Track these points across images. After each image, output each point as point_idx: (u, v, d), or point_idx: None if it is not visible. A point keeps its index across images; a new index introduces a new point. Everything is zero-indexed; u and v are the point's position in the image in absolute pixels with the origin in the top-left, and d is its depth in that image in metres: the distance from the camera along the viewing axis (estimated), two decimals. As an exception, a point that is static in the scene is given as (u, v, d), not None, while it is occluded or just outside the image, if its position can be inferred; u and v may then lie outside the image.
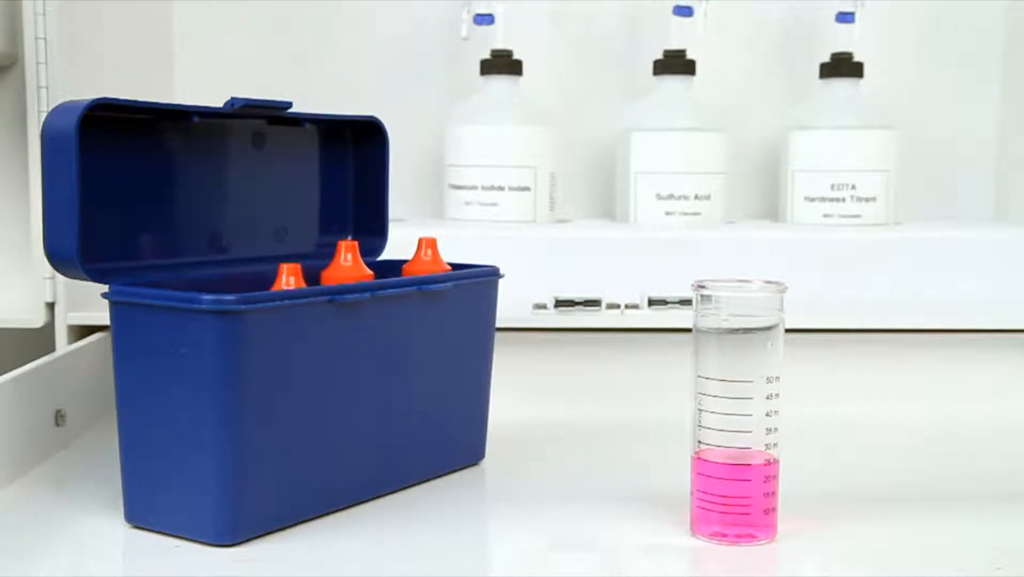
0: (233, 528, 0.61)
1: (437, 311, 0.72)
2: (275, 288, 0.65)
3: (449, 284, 0.72)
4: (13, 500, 0.69)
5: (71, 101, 0.63)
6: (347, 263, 0.71)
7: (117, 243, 0.68)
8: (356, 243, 0.72)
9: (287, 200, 0.76)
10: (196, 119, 0.70)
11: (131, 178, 0.69)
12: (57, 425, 0.79)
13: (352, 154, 0.81)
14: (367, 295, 0.66)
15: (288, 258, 0.73)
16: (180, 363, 0.61)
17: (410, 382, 0.70)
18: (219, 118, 0.73)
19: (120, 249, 0.68)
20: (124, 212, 0.69)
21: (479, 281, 0.75)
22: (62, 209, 0.63)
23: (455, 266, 0.76)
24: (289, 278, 0.65)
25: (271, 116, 0.75)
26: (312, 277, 0.71)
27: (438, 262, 0.75)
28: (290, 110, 0.74)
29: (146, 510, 0.63)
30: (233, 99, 0.70)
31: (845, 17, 1.11)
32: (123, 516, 0.64)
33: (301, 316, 0.63)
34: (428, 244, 0.75)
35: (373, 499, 0.69)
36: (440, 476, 0.74)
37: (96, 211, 0.65)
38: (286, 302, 0.62)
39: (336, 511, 0.67)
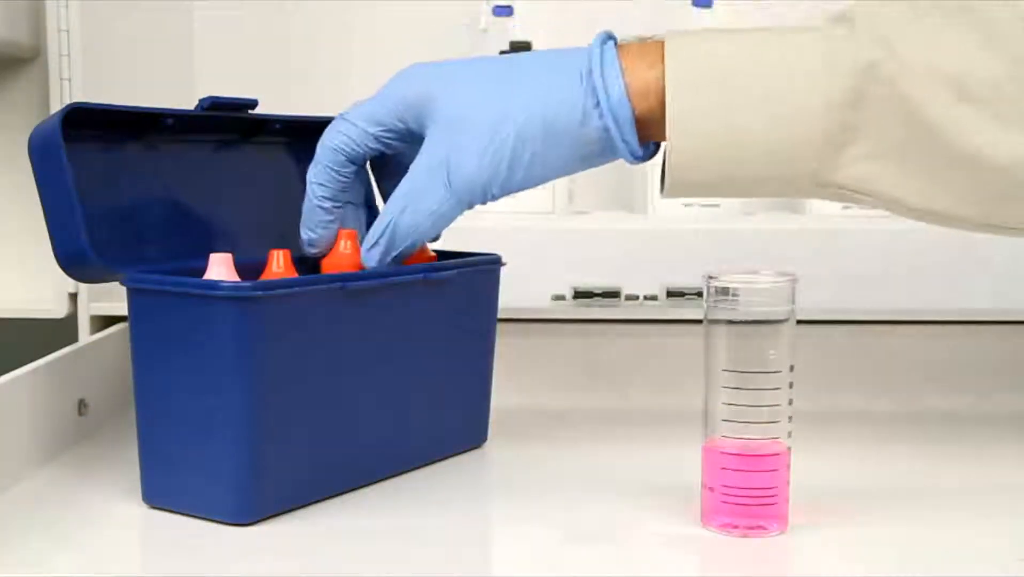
0: (250, 508, 0.63)
1: (442, 298, 0.73)
2: (266, 273, 0.67)
3: (453, 272, 0.73)
4: (37, 488, 0.70)
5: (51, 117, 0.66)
6: (347, 250, 0.72)
7: (115, 250, 0.68)
8: (355, 231, 0.73)
9: (284, 204, 0.77)
10: (169, 121, 0.72)
11: (124, 182, 0.71)
12: (80, 415, 0.80)
13: None
14: (376, 282, 0.68)
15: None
16: (197, 348, 0.62)
17: (416, 366, 0.72)
18: (191, 119, 0.74)
19: (120, 255, 0.68)
20: (121, 218, 0.70)
21: (481, 269, 0.77)
22: (63, 212, 0.64)
23: (456, 255, 0.77)
24: (279, 261, 0.67)
25: (238, 116, 0.76)
26: (313, 267, 0.73)
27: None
28: (259, 111, 0.76)
29: (165, 491, 0.65)
30: (202, 100, 0.72)
31: None
32: (141, 498, 0.65)
33: (314, 302, 0.64)
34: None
35: (381, 480, 0.70)
36: (445, 458, 0.75)
37: (92, 219, 0.66)
38: (300, 288, 0.64)
39: (345, 492, 0.68)
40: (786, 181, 0.65)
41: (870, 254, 1.03)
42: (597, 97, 0.65)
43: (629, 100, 0.65)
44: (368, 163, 0.74)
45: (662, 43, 0.66)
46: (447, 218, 0.69)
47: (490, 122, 0.67)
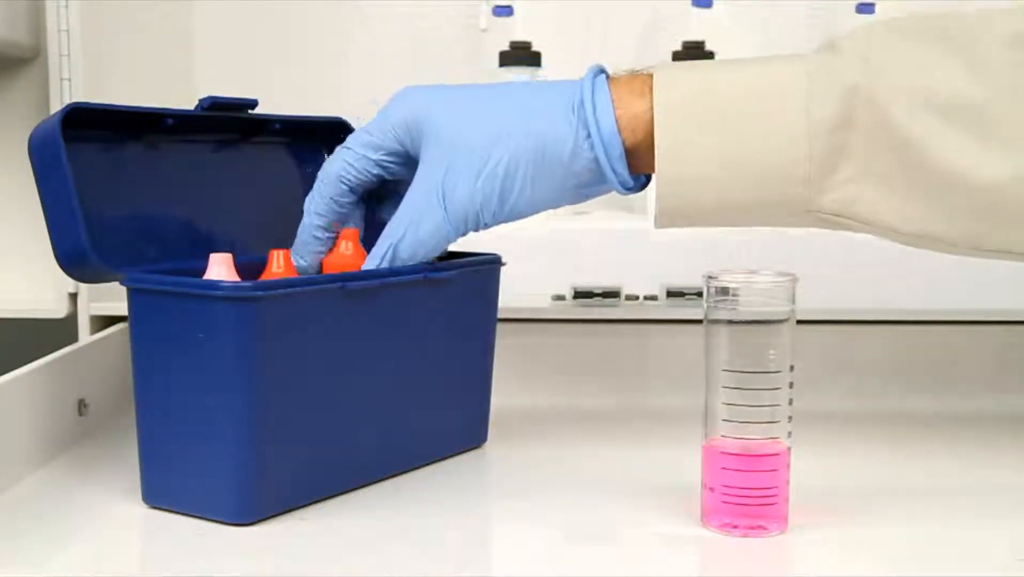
0: (250, 508, 0.63)
1: (442, 298, 0.73)
2: (266, 273, 0.67)
3: (453, 272, 0.73)
4: (37, 488, 0.70)
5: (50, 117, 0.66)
6: (347, 251, 0.72)
7: (115, 250, 0.68)
8: (356, 230, 0.73)
9: (284, 204, 0.77)
10: (169, 121, 0.72)
11: (124, 182, 0.71)
12: (80, 414, 0.80)
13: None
14: (376, 282, 0.68)
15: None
16: (198, 348, 0.62)
17: (416, 366, 0.72)
18: (191, 119, 0.74)
19: (120, 255, 0.68)
20: (121, 218, 0.70)
21: (481, 269, 0.77)
22: (63, 212, 0.64)
23: (456, 255, 0.77)
24: (279, 261, 0.67)
25: (238, 116, 0.76)
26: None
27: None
28: (259, 111, 0.76)
29: (165, 491, 0.65)
30: (202, 100, 0.73)
31: (866, 8, 1.11)
32: (141, 498, 0.65)
33: (314, 302, 0.64)
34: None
35: (381, 480, 0.71)
36: (445, 458, 0.75)
37: (92, 219, 0.66)
38: (300, 288, 0.64)
39: (345, 492, 0.68)
40: (776, 206, 0.66)
41: (870, 254, 1.02)
42: (588, 129, 0.66)
43: (619, 132, 0.66)
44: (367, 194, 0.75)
45: (651, 75, 0.67)
46: (439, 243, 0.70)
47: (482, 149, 0.68)
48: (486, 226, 0.70)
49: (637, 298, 0.97)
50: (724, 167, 0.65)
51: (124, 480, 0.69)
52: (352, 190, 0.71)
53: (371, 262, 0.70)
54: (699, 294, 0.94)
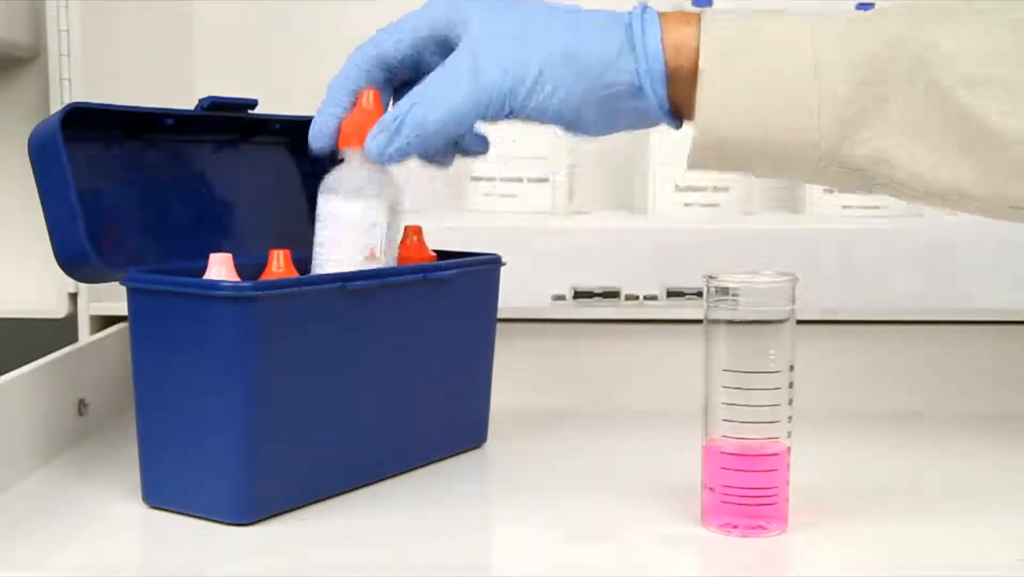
0: (250, 508, 0.63)
1: (441, 298, 0.73)
2: (266, 273, 0.66)
3: (453, 272, 0.73)
4: (37, 488, 0.70)
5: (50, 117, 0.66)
6: (368, 105, 0.70)
7: (115, 250, 0.69)
8: (378, 92, 0.70)
9: (284, 204, 0.77)
10: (169, 121, 0.72)
11: (124, 183, 0.71)
12: (80, 414, 0.80)
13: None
14: (376, 282, 0.68)
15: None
16: (197, 348, 0.62)
17: (416, 366, 0.72)
18: (191, 119, 0.74)
19: (120, 255, 0.69)
20: (121, 218, 0.70)
21: (481, 269, 0.77)
22: (63, 212, 0.64)
23: (456, 255, 0.77)
24: (279, 261, 0.66)
25: (237, 116, 0.76)
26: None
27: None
28: (259, 111, 0.76)
29: (164, 491, 0.65)
30: (202, 99, 0.72)
31: (865, 8, 1.11)
32: (141, 498, 0.66)
33: (313, 302, 0.65)
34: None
35: (381, 480, 0.71)
36: (445, 458, 0.75)
37: (92, 219, 0.66)
38: (300, 288, 0.64)
39: (345, 492, 0.68)
40: (810, 146, 0.66)
41: (870, 254, 1.03)
42: (633, 43, 0.67)
43: (663, 52, 0.67)
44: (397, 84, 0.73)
45: (699, 13, 0.68)
46: (460, 116, 0.67)
47: (524, 38, 0.67)
48: (511, 114, 0.68)
49: (637, 298, 0.97)
50: (764, 95, 0.66)
51: (124, 480, 0.69)
52: (382, 63, 0.70)
53: (379, 124, 0.68)
54: (699, 294, 0.95)
